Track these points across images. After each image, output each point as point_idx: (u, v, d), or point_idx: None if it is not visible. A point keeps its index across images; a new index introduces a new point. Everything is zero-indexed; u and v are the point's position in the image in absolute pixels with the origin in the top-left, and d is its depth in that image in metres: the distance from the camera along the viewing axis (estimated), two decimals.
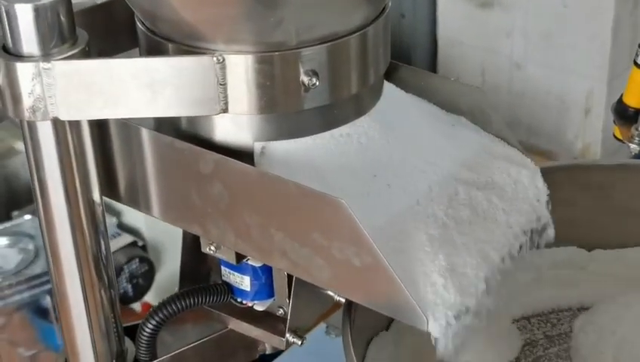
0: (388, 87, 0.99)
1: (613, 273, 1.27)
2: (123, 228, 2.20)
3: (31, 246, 2.08)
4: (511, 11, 2.30)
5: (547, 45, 2.28)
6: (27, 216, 2.10)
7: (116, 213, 2.19)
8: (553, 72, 2.29)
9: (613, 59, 2.18)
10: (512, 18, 2.31)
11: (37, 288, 2.04)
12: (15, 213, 2.16)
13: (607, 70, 2.20)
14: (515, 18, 2.31)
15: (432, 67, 2.47)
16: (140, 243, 2.17)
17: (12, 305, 2.06)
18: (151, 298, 2.20)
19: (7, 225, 2.12)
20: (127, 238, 2.16)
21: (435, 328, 0.82)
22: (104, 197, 0.93)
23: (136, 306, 2.23)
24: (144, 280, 2.16)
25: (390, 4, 0.92)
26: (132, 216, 2.18)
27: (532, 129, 2.38)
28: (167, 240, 2.13)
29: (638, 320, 1.20)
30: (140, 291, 2.16)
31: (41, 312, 2.07)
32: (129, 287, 2.13)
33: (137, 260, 2.13)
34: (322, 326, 1.48)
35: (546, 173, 1.02)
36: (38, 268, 2.03)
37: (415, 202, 0.90)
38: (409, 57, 2.46)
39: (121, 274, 2.11)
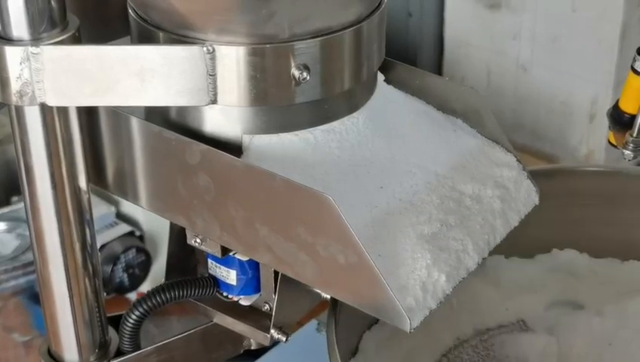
0: (383, 85, 0.98)
1: (610, 281, 1.26)
2: (121, 217, 2.19)
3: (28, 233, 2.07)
4: (519, 13, 2.29)
5: (554, 49, 2.26)
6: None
7: (115, 203, 2.18)
8: (559, 76, 2.28)
9: (620, 65, 2.17)
10: (519, 20, 2.29)
11: (33, 274, 2.03)
12: (14, 198, 2.16)
13: (614, 76, 2.18)
14: (523, 20, 2.29)
15: (438, 67, 2.46)
16: (138, 234, 2.16)
17: (8, 290, 2.06)
18: (147, 288, 2.19)
19: (6, 210, 2.11)
20: (124, 228, 2.15)
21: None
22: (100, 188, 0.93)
23: (132, 296, 2.22)
24: (140, 270, 2.15)
25: (386, 0, 0.91)
26: (131, 206, 2.17)
27: (536, 133, 2.37)
28: (164, 232, 2.12)
29: (635, 330, 1.19)
30: (136, 281, 2.15)
31: (37, 298, 2.06)
32: (125, 277, 2.12)
33: (134, 250, 2.12)
34: (313, 322, 1.47)
35: (539, 177, 1.01)
36: None
37: (404, 203, 0.89)
38: (415, 56, 2.45)
39: (117, 264, 2.10)
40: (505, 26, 2.33)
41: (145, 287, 2.19)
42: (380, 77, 0.97)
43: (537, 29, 2.29)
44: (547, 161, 2.35)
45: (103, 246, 2.08)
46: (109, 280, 2.09)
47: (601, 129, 2.26)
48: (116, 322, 1.00)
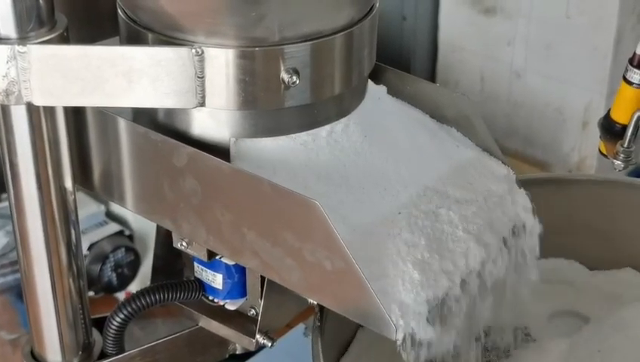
0: (376, 90, 0.97)
1: (600, 290, 1.26)
2: (111, 216, 2.18)
3: None
4: (513, 19, 2.28)
5: (548, 55, 2.26)
6: None
7: (105, 202, 2.17)
8: (552, 83, 2.28)
9: (613, 73, 2.16)
10: (514, 26, 2.29)
11: None
12: (4, 195, 2.15)
13: (607, 83, 2.18)
14: (517, 26, 2.29)
15: (432, 71, 2.45)
16: (127, 233, 2.15)
17: None
18: (135, 288, 2.19)
19: None
20: (114, 227, 2.14)
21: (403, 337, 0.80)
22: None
23: (121, 295, 2.22)
24: (129, 269, 2.14)
25: (378, 4, 0.90)
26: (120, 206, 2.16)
27: (529, 139, 2.36)
28: (154, 232, 2.12)
29: (625, 337, 1.19)
30: (125, 281, 2.14)
31: None
32: (113, 276, 2.11)
33: (123, 249, 2.12)
34: (301, 326, 1.46)
35: (530, 186, 1.00)
36: None
37: (393, 212, 0.88)
38: (408, 60, 2.44)
39: (106, 263, 2.09)
40: (499, 31, 2.32)
41: (133, 287, 2.18)
42: (373, 84, 0.97)
43: (531, 35, 2.28)
44: (539, 167, 2.34)
45: (92, 245, 2.07)
46: (98, 280, 2.08)
47: (594, 136, 2.25)
48: (101, 324, 0.99)
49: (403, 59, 2.44)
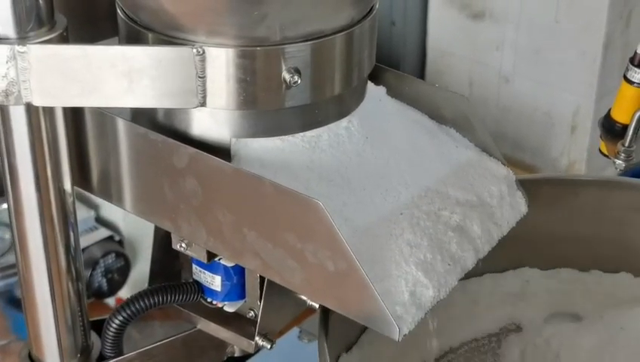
0: (376, 91, 0.97)
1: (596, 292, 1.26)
2: (101, 222, 2.18)
3: (7, 236, 2.05)
4: (502, 24, 2.29)
5: (536, 60, 2.26)
6: (5, 205, 2.07)
7: (94, 207, 2.16)
8: (541, 87, 2.28)
9: (602, 77, 2.17)
10: (502, 31, 2.29)
11: (12, 277, 2.02)
12: None
13: (596, 88, 2.18)
14: (506, 31, 2.29)
15: (421, 76, 2.45)
16: (117, 238, 2.15)
17: None
18: (125, 293, 2.18)
19: None
20: (104, 232, 2.14)
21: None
22: (81, 190, 0.91)
23: (111, 301, 2.21)
24: (119, 275, 2.14)
25: (378, 5, 0.90)
26: (110, 211, 2.16)
27: (517, 143, 2.37)
28: (144, 237, 2.11)
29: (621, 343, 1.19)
30: (115, 286, 2.14)
31: (15, 302, 2.05)
32: (104, 282, 2.11)
33: (113, 255, 2.11)
34: (295, 330, 1.46)
35: (530, 186, 1.00)
36: (13, 257, 2.01)
37: (395, 213, 0.88)
38: (398, 65, 2.44)
39: (96, 268, 2.09)
40: (488, 36, 2.33)
41: (124, 293, 2.17)
42: (373, 85, 0.96)
43: (520, 39, 2.29)
44: (528, 171, 2.35)
45: (81, 251, 2.06)
46: (88, 285, 2.08)
47: (583, 140, 2.27)
48: (99, 327, 0.99)
49: (392, 64, 2.43)
